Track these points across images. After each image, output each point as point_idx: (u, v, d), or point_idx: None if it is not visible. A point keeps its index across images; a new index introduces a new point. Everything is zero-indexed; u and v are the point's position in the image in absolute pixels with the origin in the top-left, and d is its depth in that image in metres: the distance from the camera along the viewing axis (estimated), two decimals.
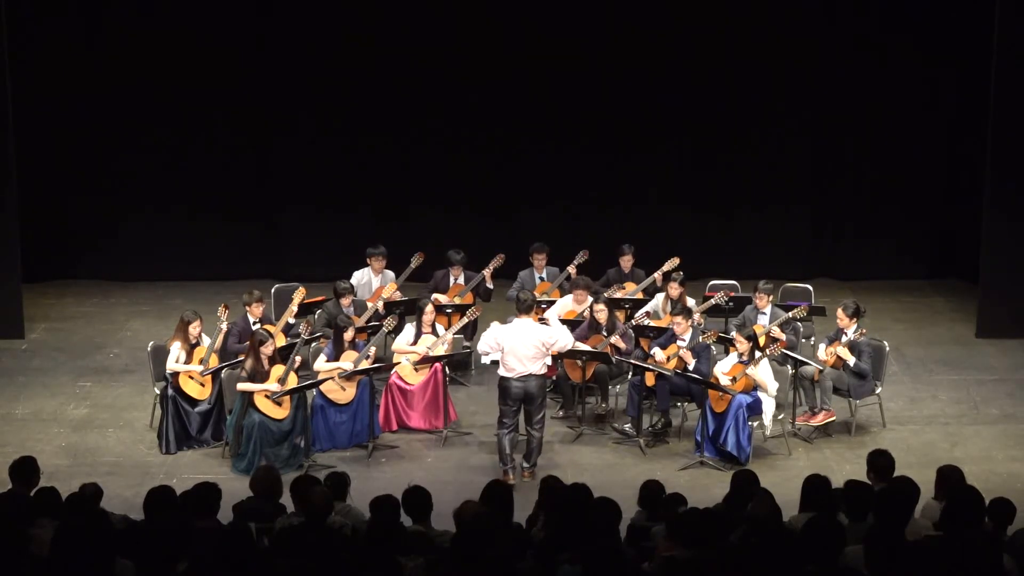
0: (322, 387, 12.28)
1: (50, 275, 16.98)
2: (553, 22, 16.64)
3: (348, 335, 12.54)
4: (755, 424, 12.03)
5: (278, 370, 12.01)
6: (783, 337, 12.77)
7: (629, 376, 12.76)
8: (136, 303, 16.47)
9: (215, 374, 12.44)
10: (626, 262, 14.50)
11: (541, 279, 14.50)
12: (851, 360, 12.51)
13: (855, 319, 12.68)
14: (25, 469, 9.06)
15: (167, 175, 16.98)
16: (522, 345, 11.54)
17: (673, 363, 12.42)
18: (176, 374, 12.30)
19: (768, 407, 12.10)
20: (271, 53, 16.66)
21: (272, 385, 11.92)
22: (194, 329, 12.42)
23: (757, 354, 12.09)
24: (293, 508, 8.80)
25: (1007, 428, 12.88)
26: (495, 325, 12.00)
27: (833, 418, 12.62)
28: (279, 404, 11.90)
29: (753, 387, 12.04)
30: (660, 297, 13.78)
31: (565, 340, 11.99)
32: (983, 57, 15.22)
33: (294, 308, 13.26)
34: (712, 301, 13.61)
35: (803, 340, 13.43)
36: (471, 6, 16.58)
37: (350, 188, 17.10)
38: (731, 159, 17.06)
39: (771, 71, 16.79)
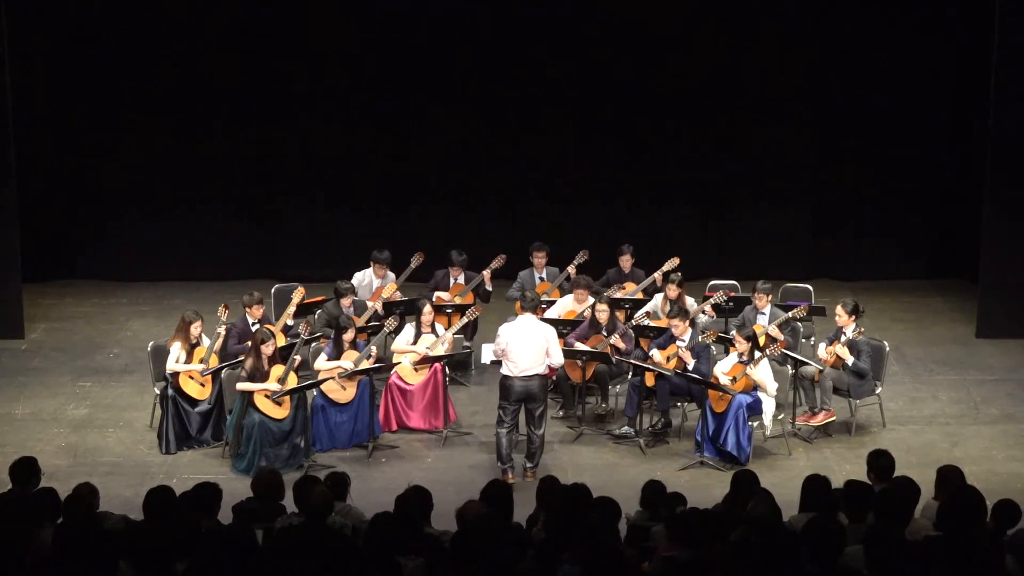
0: (323, 387, 12.28)
1: (50, 275, 16.96)
2: (554, 21, 16.62)
3: (348, 335, 12.54)
4: (755, 424, 12.03)
5: (278, 370, 12.00)
6: (782, 337, 12.76)
7: (629, 376, 12.75)
8: (136, 303, 16.46)
9: (215, 374, 12.44)
10: (626, 262, 14.49)
11: (541, 279, 14.48)
12: (850, 360, 12.51)
13: (854, 317, 12.67)
14: (25, 469, 9.05)
15: (167, 175, 16.96)
16: (528, 342, 11.55)
17: (673, 363, 12.42)
18: (176, 374, 12.30)
19: (768, 407, 12.09)
20: (271, 52, 16.64)
21: (272, 385, 11.91)
22: (195, 329, 12.41)
23: (757, 354, 12.08)
24: (293, 508, 8.79)
25: (1007, 428, 12.88)
26: (499, 330, 11.84)
27: (833, 418, 12.62)
28: (279, 404, 11.90)
29: (753, 387, 12.03)
30: (659, 297, 13.78)
31: (558, 360, 11.87)
32: (983, 56, 15.22)
33: (291, 310, 13.25)
34: (711, 300, 13.61)
35: (803, 340, 13.42)
36: (472, 5, 16.57)
37: (350, 188, 17.08)
38: (731, 159, 17.04)
39: (771, 71, 16.77)
